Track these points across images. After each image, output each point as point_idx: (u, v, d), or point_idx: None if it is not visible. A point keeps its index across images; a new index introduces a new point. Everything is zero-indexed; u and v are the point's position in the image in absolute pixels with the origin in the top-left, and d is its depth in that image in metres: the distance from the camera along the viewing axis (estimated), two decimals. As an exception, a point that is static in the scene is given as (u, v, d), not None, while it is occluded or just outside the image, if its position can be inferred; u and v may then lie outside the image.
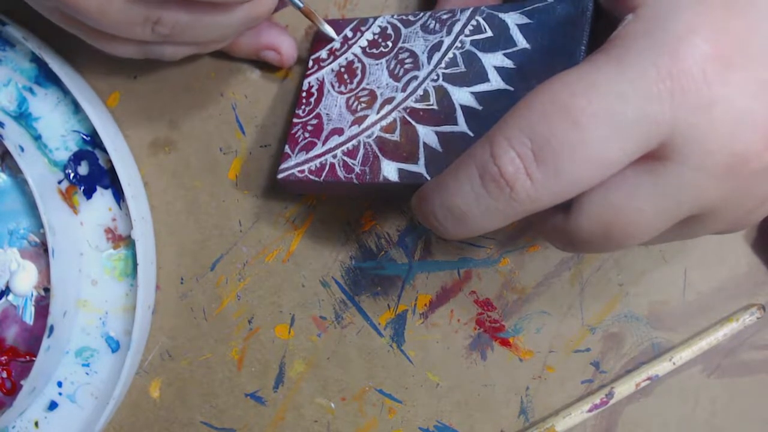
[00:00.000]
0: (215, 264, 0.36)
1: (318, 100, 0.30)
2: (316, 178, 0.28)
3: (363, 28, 0.31)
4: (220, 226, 0.35)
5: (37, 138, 0.36)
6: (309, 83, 0.31)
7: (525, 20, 0.26)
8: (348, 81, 0.30)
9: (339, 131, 0.29)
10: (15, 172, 0.36)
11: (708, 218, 0.21)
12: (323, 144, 0.29)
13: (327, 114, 0.30)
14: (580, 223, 0.21)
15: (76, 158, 0.35)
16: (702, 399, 0.33)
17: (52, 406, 0.37)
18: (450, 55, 0.27)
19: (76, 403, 0.37)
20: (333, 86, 0.30)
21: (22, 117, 0.36)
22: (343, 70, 0.30)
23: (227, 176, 0.35)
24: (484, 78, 0.26)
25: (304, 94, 0.31)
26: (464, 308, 0.34)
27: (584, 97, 0.19)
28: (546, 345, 0.34)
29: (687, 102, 0.19)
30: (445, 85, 0.27)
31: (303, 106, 0.31)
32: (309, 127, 0.30)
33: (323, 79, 0.30)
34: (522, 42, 0.26)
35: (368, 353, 0.35)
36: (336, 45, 0.31)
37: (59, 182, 0.36)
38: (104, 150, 0.33)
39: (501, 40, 0.27)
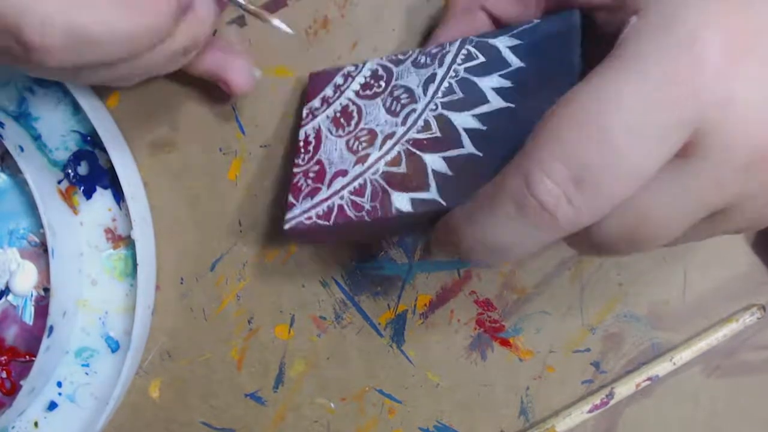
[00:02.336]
0: (215, 264, 0.36)
1: (317, 148, 0.29)
2: (326, 222, 0.27)
3: (353, 74, 0.30)
4: (220, 226, 0.35)
5: (37, 138, 0.36)
6: (305, 132, 0.30)
7: (515, 42, 0.26)
8: (345, 124, 0.29)
9: (343, 173, 0.28)
10: (15, 172, 0.36)
11: (731, 214, 0.21)
12: (328, 188, 0.28)
13: (328, 159, 0.29)
14: (605, 230, 0.21)
15: (76, 158, 0.36)
16: (702, 399, 0.33)
17: (52, 406, 0.37)
18: (446, 84, 0.27)
19: (76, 403, 0.37)
20: (330, 132, 0.29)
21: (22, 117, 0.36)
22: (338, 115, 0.30)
23: (227, 176, 0.35)
24: (483, 100, 0.26)
25: (301, 143, 0.30)
26: (464, 308, 0.34)
27: (613, 115, 0.19)
28: (546, 345, 0.34)
29: (707, 99, 0.19)
30: (446, 112, 0.27)
31: (302, 155, 0.30)
32: (311, 174, 0.29)
33: (319, 126, 0.30)
34: (516, 62, 0.26)
35: (368, 353, 0.35)
36: (329, 93, 0.31)
37: (59, 182, 0.36)
38: (104, 150, 0.33)
39: (494, 63, 0.27)
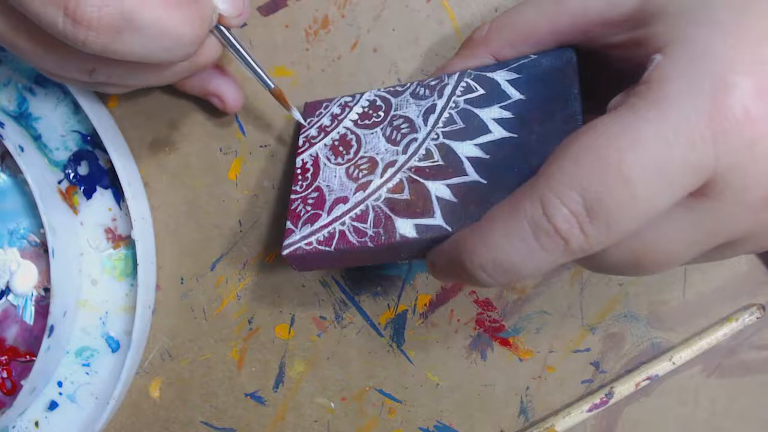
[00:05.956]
0: (215, 264, 0.36)
1: (315, 174, 0.29)
2: (326, 248, 0.27)
3: (351, 104, 0.30)
4: (220, 226, 0.35)
5: (37, 138, 0.36)
6: (303, 160, 0.30)
7: (514, 75, 0.27)
8: (344, 152, 0.29)
9: (343, 200, 0.28)
10: (15, 172, 0.36)
11: (739, 244, 0.21)
12: (328, 214, 0.28)
13: (327, 185, 0.29)
14: (611, 254, 0.21)
15: (76, 158, 0.36)
16: (702, 399, 0.33)
17: (53, 406, 0.37)
18: (446, 114, 0.28)
19: (77, 403, 0.37)
20: (329, 159, 0.29)
21: (22, 117, 0.36)
22: (336, 143, 0.30)
23: (227, 176, 0.35)
24: (485, 130, 0.26)
25: (298, 171, 0.30)
26: (464, 308, 0.34)
27: (631, 152, 0.19)
28: (546, 345, 0.34)
29: (729, 142, 0.19)
30: (447, 141, 0.27)
31: (300, 182, 0.29)
32: (310, 201, 0.29)
33: (317, 154, 0.30)
34: (515, 94, 0.26)
35: (368, 353, 0.35)
36: (326, 122, 0.31)
37: (59, 182, 0.36)
38: (104, 150, 0.33)
39: (494, 95, 0.27)
